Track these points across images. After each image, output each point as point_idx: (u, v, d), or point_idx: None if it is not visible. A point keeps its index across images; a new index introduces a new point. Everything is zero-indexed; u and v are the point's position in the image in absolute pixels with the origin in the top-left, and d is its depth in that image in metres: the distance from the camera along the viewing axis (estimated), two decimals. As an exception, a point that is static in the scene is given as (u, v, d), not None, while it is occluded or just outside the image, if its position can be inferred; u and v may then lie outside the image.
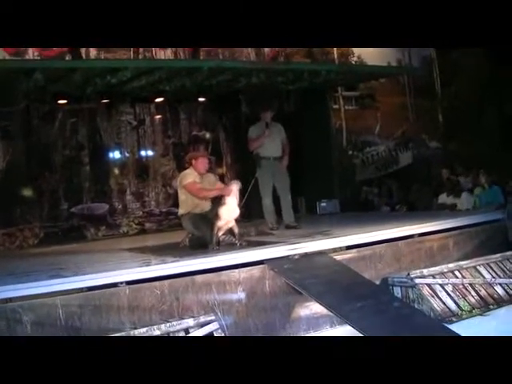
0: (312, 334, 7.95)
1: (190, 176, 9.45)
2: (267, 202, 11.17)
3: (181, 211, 9.66)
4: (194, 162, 9.61)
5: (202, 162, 9.58)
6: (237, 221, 9.16)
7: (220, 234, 9.00)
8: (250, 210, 12.44)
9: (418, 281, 8.41)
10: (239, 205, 9.37)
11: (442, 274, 8.74)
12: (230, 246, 8.84)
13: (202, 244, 9.08)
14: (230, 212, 8.94)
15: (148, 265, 7.73)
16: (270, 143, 11.16)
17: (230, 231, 9.11)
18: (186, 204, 9.48)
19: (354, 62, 18.52)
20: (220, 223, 8.89)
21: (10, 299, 6.50)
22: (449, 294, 8.43)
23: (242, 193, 9.73)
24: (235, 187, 9.02)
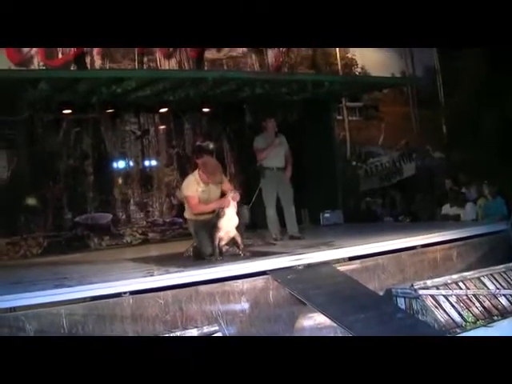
0: (315, 344, 7.94)
1: (191, 187, 9.31)
2: (271, 212, 11.17)
3: (186, 215, 9.70)
4: (200, 172, 9.39)
5: (208, 178, 9.30)
6: (239, 230, 9.16)
7: (222, 243, 9.00)
8: (254, 221, 12.45)
9: (421, 292, 8.38)
10: (247, 209, 9.39)
11: (446, 285, 8.70)
12: (234, 257, 8.84)
13: (201, 254, 9.10)
14: (229, 221, 8.95)
15: (151, 275, 7.72)
16: (274, 154, 11.17)
17: (233, 241, 9.11)
18: (190, 211, 9.49)
19: (357, 73, 18.56)
20: (220, 234, 8.91)
21: (14, 308, 6.52)
22: (453, 305, 8.40)
23: (246, 203, 9.74)
24: (233, 197, 9.02)
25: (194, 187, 9.29)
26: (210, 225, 9.02)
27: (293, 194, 11.31)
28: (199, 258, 9.10)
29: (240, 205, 9.62)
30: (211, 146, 15.03)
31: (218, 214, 8.94)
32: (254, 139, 11.41)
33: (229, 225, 8.94)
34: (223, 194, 9.30)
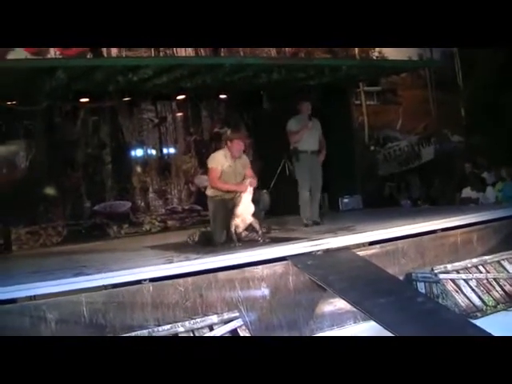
0: (336, 329, 7.94)
1: (217, 159, 9.41)
2: (305, 195, 11.04)
3: (207, 192, 9.68)
4: (229, 143, 9.51)
5: (238, 145, 9.44)
6: (257, 217, 9.16)
7: (239, 230, 9.01)
8: (273, 206, 12.47)
9: (441, 276, 8.38)
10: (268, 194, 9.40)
11: (466, 269, 8.69)
12: (253, 243, 8.83)
13: (210, 240, 9.21)
14: (245, 209, 8.99)
15: (171, 262, 7.74)
16: (309, 137, 11.08)
17: (251, 227, 9.10)
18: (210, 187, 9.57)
19: (374, 57, 18.43)
20: (236, 221, 8.92)
21: (35, 297, 6.55)
22: (473, 290, 8.39)
23: (264, 188, 9.73)
24: (250, 183, 9.02)
25: (220, 160, 9.38)
26: (228, 210, 9.06)
27: (322, 180, 11.28)
28: (207, 243, 9.21)
29: (259, 191, 9.62)
30: (228, 132, 14.98)
31: (234, 201, 8.95)
32: (288, 122, 11.25)
33: (245, 212, 8.96)
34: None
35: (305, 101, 11.38)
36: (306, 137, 11.05)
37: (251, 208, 9.05)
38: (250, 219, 9.04)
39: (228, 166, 9.35)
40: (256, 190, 9.25)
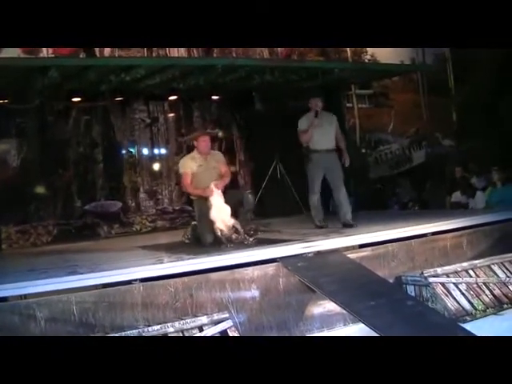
0: (325, 331, 7.93)
1: (186, 163, 9.49)
2: (314, 198, 10.63)
3: (192, 196, 9.83)
4: (195, 143, 9.56)
5: (203, 142, 9.47)
6: (237, 218, 9.17)
7: (226, 233, 8.95)
8: (264, 208, 12.46)
9: (431, 279, 8.38)
10: (251, 194, 9.37)
11: (456, 273, 8.69)
12: (244, 244, 8.81)
13: (199, 239, 9.32)
14: (218, 211, 8.94)
15: (162, 262, 7.75)
16: (321, 134, 10.36)
17: (234, 229, 9.06)
18: None
19: (367, 60, 18.50)
20: (218, 225, 8.90)
21: (25, 296, 6.55)
22: (463, 293, 8.39)
23: (255, 189, 9.71)
24: (216, 185, 9.04)
25: (189, 164, 9.44)
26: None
27: (343, 176, 10.63)
28: (195, 240, 9.40)
29: (243, 192, 9.60)
30: (220, 133, 15.00)
31: (206, 207, 8.95)
32: (298, 121, 10.62)
33: (220, 215, 8.93)
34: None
35: (314, 96, 10.76)
36: (317, 134, 10.35)
37: (226, 210, 8.99)
38: (231, 221, 9.00)
39: (199, 165, 9.41)
40: (239, 191, 9.23)
